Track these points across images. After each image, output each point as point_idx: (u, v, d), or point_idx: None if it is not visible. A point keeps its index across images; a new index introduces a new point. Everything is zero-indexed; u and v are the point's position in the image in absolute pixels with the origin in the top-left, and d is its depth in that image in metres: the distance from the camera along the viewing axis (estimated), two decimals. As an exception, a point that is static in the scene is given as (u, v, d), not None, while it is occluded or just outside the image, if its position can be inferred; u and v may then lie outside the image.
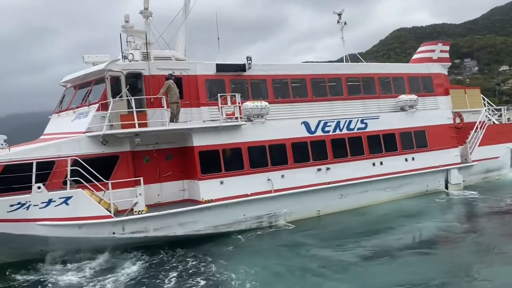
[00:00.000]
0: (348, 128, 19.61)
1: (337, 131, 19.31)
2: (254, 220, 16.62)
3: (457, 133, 23.02)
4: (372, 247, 13.81)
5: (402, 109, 21.32)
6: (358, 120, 19.92)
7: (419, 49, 24.98)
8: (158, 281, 11.93)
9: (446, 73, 24.29)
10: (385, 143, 20.21)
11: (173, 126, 15.37)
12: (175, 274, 12.33)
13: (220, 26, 20.22)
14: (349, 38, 24.48)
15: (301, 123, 18.50)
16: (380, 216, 17.81)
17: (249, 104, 16.95)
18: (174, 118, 15.49)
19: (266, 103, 17.34)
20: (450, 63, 24.86)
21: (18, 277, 12.71)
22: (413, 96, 21.22)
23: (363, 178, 19.24)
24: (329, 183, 18.38)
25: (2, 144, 14.04)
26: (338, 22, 24.43)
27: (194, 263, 13.16)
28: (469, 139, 23.17)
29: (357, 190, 19.10)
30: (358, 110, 20.29)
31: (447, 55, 24.36)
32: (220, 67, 17.47)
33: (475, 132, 23.40)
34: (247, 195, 16.31)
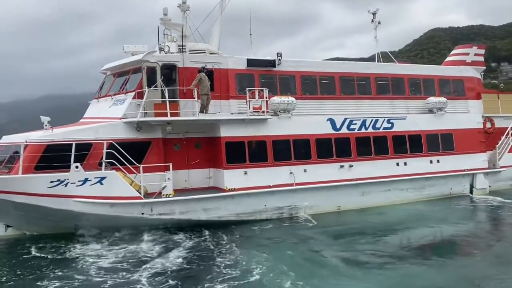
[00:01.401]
0: (374, 127, 19.86)
1: (363, 130, 19.60)
2: (275, 211, 17.24)
3: (487, 138, 22.77)
4: (387, 248, 13.71)
5: (431, 111, 21.34)
6: (384, 119, 20.13)
7: (453, 52, 24.78)
8: (174, 259, 12.61)
9: (480, 77, 24.00)
10: (411, 144, 20.34)
11: (202, 116, 16.21)
12: (191, 254, 13.06)
13: (252, 19, 20.89)
14: (381, 36, 24.49)
15: (327, 120, 18.92)
16: (400, 217, 17.82)
17: (276, 99, 17.53)
18: (204, 109, 16.32)
19: (293, 98, 17.87)
20: (485, 67, 24.51)
21: (51, 248, 13.75)
22: (442, 99, 21.19)
23: (386, 177, 19.48)
24: (351, 180, 18.74)
25: (46, 125, 15.21)
26: (372, 21, 24.63)
27: (209, 245, 13.94)
28: (498, 144, 22.87)
29: (379, 189, 19.36)
30: (386, 110, 20.51)
31: (481, 58, 24.07)
32: (250, 62, 18.13)
33: (506, 137, 23.07)
34: (269, 186, 16.95)
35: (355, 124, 19.48)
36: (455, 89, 22.68)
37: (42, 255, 13.18)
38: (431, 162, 20.70)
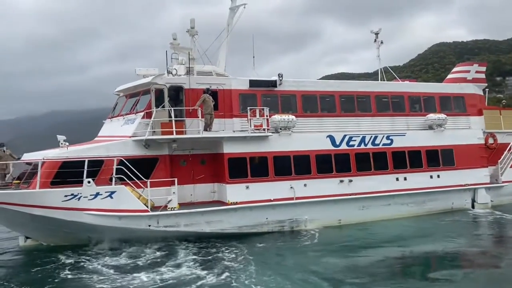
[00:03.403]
0: (373, 143, 20.53)
1: (362, 146, 20.30)
2: (276, 224, 18.00)
3: (489, 153, 23.13)
4: (388, 263, 13.84)
5: (430, 127, 21.91)
6: (384, 136, 20.80)
7: (454, 69, 25.39)
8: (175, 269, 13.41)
9: (482, 93, 24.48)
10: (410, 160, 20.90)
11: (206, 134, 17.26)
12: (191, 264, 13.86)
13: (257, 36, 22.07)
14: (384, 51, 25.55)
15: (326, 136, 19.71)
16: (401, 231, 18.15)
17: (276, 117, 18.49)
18: (207, 127, 17.39)
19: (293, 116, 18.79)
20: (486, 84, 24.96)
21: (67, 258, 14.69)
22: (442, 115, 21.76)
23: (386, 192, 20.06)
24: (350, 194, 19.41)
25: (61, 143, 16.49)
26: (375, 41, 25.61)
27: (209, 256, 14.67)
28: (501, 159, 23.19)
29: (379, 203, 19.93)
30: (385, 127, 21.19)
31: (483, 75, 24.59)
32: (253, 83, 19.20)
33: (508, 153, 23.38)
34: (270, 200, 17.78)
35: (355, 140, 20.21)
36: (456, 105, 23.23)
37: (58, 264, 14.16)
38: (431, 177, 21.18)
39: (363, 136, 20.42)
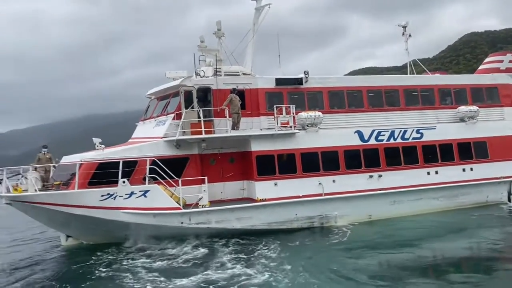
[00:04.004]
0: (402, 138, 20.35)
1: (391, 140, 20.17)
2: (306, 220, 18.18)
3: None
4: (416, 260, 13.62)
5: (462, 120, 21.48)
6: (413, 130, 20.57)
7: (486, 60, 24.71)
8: (213, 264, 13.82)
9: (516, 83, 23.70)
10: (441, 153, 20.58)
11: (234, 133, 17.69)
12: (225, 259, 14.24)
13: (280, 34, 22.32)
14: (413, 44, 25.23)
15: (354, 132, 19.71)
16: (434, 226, 17.93)
17: (303, 114, 18.68)
18: (235, 126, 17.81)
19: (320, 113, 18.92)
20: (521, 73, 24.15)
21: (104, 257, 15.35)
22: (473, 107, 21.30)
23: (417, 186, 19.85)
24: (380, 189, 19.33)
25: (97, 146, 17.34)
26: (403, 34, 25.30)
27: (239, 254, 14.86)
28: (541, 151, 22.35)
29: (410, 198, 19.73)
30: (415, 121, 20.96)
31: (517, 65, 23.79)
32: (279, 81, 19.46)
33: (548, 144, 22.50)
34: (298, 197, 18.00)
35: (384, 135, 20.10)
36: (489, 97, 22.64)
37: (95, 262, 14.80)
38: (463, 170, 20.77)
39: (392, 131, 20.28)
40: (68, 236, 17.86)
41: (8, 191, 15.81)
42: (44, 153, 17.50)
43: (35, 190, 15.68)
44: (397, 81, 21.54)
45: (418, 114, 21.26)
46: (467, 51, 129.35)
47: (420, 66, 25.34)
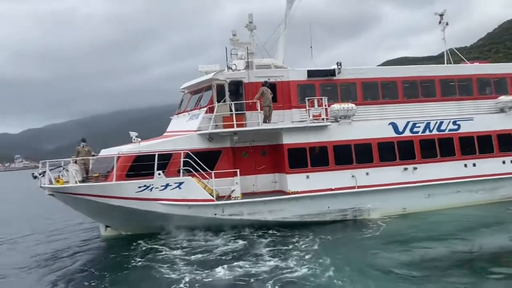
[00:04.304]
0: (438, 129, 19.85)
1: (427, 132, 19.72)
2: (338, 213, 18.10)
3: None
4: (451, 255, 13.22)
5: (502, 110, 20.67)
6: (450, 121, 20.01)
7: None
8: (248, 256, 13.94)
9: None
10: (479, 145, 19.93)
11: (265, 126, 17.79)
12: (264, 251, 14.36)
13: (313, 25, 22.14)
14: (449, 32, 24.27)
15: (388, 124, 19.38)
16: (470, 219, 17.43)
17: (335, 106, 18.53)
18: (266, 119, 17.91)
19: (353, 105, 18.71)
20: None
21: (141, 247, 15.87)
22: (515, 97, 20.43)
23: (454, 179, 19.33)
24: (415, 182, 18.96)
25: (134, 139, 17.91)
26: (439, 22, 24.46)
27: (275, 246, 15.00)
28: None
29: (447, 191, 19.25)
30: (451, 112, 20.38)
31: None
32: (311, 73, 19.36)
33: None
34: (331, 189, 17.94)
35: (419, 126, 19.67)
36: None
37: (132, 252, 15.31)
38: (503, 162, 20.02)
39: (427, 122, 19.81)
40: (107, 226, 18.58)
41: (51, 182, 16.64)
42: (83, 146, 18.19)
43: (76, 182, 16.42)
44: (433, 71, 20.95)
45: (455, 105, 20.65)
46: (508, 39, 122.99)
47: (457, 55, 24.52)
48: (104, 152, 18.69)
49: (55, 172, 17.35)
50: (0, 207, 37.36)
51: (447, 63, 24.02)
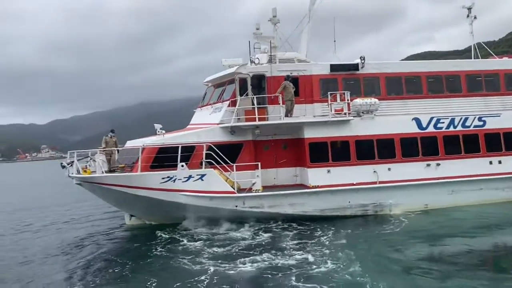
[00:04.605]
0: (463, 126, 19.56)
1: (451, 128, 19.44)
2: (359, 208, 18.10)
3: None
4: (472, 253, 13.03)
5: (531, 106, 20.17)
6: (475, 117, 19.68)
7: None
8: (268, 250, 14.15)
9: None
10: (506, 142, 19.53)
11: (287, 120, 17.90)
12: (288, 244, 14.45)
13: (336, 18, 22.04)
14: (477, 26, 23.73)
15: (412, 119, 19.20)
16: (494, 217, 17.06)
17: (358, 100, 18.45)
18: (288, 113, 18.01)
19: (376, 100, 18.58)
20: None
21: (164, 236, 16.28)
22: (545, 93, 19.89)
23: (478, 176, 19.05)
24: (438, 178, 18.76)
25: (158, 131, 18.32)
26: (467, 16, 23.96)
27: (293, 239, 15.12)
28: None
29: (470, 188, 18.98)
30: (477, 108, 20.00)
31: None
32: (334, 67, 19.30)
33: None
34: (352, 184, 17.94)
35: (443, 122, 19.42)
36: None
37: (155, 241, 15.72)
38: None
39: (452, 118, 19.53)
40: (131, 216, 19.12)
41: (78, 172, 17.22)
42: (111, 137, 18.67)
43: (102, 172, 16.93)
44: (459, 66, 20.57)
45: (481, 101, 20.23)
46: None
47: (485, 49, 23.94)
48: (129, 144, 19.18)
49: (83, 162, 17.92)
50: (29, 195, 38.73)
51: (474, 58, 23.55)
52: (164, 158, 16.92)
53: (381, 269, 11.72)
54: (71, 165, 17.47)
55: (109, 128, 19.63)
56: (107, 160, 18.22)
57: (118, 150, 18.84)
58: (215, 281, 11.27)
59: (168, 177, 16.76)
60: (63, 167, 17.71)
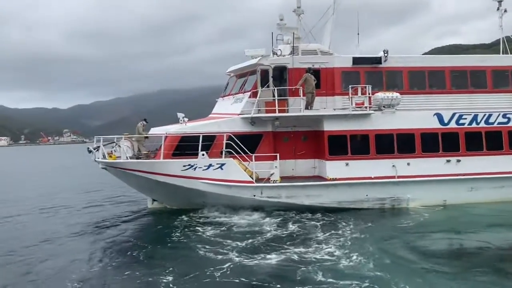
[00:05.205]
0: (486, 122, 19.31)
1: (473, 124, 19.24)
2: (377, 201, 18.19)
3: None
4: (489, 250, 12.96)
5: (559, 104, 19.71)
6: (499, 114, 19.40)
7: None
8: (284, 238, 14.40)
9: None
10: None
11: (307, 112, 18.04)
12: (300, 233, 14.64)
13: (359, 9, 21.90)
14: (506, 19, 23.21)
15: (434, 115, 19.05)
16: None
17: (379, 94, 18.41)
18: (309, 105, 18.14)
19: (397, 94, 18.50)
20: None
21: (184, 222, 16.67)
22: None
23: (500, 173, 18.86)
24: (458, 174, 18.67)
25: (181, 120, 18.70)
26: (498, 9, 23.42)
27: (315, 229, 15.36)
28: None
29: (491, 185, 18.80)
30: (502, 104, 19.70)
31: None
32: (356, 60, 19.27)
33: None
34: (370, 178, 18.02)
35: (465, 118, 19.21)
36: None
37: (175, 226, 16.09)
38: None
39: (475, 114, 19.29)
40: (154, 200, 19.72)
41: (104, 157, 17.80)
42: (143, 125, 19.11)
43: (127, 158, 17.47)
44: (485, 61, 20.24)
45: (507, 97, 19.91)
46: None
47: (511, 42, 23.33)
48: (153, 131, 19.66)
49: (108, 147, 18.51)
50: (56, 178, 40.00)
51: (502, 52, 23.07)
52: (185, 147, 17.34)
53: (403, 265, 11.57)
54: (97, 150, 18.07)
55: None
56: (138, 146, 18.69)
57: (146, 137, 19.27)
58: (233, 272, 11.09)
59: (189, 165, 17.19)
60: (90, 151, 18.34)
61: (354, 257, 12.02)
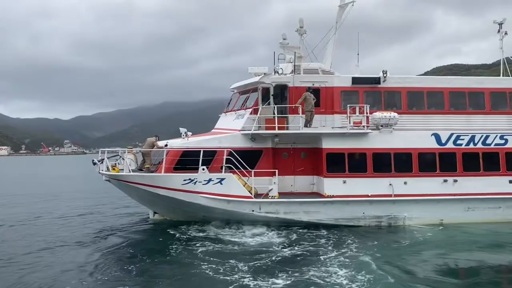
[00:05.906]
0: (483, 143, 19.61)
1: (471, 145, 19.53)
2: (373, 219, 18.40)
3: None
4: (483, 270, 13.20)
5: (556, 127, 20.00)
6: (497, 135, 19.71)
7: None
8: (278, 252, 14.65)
9: None
10: None
11: (306, 130, 18.44)
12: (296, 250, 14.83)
13: (361, 28, 22.25)
14: (506, 40, 23.58)
15: (431, 135, 19.36)
16: (509, 235, 17.29)
17: (377, 114, 18.78)
18: (307, 123, 18.53)
19: (395, 114, 18.86)
20: None
21: (182, 234, 16.96)
22: None
23: (496, 194, 19.07)
24: (454, 194, 18.90)
25: (183, 135, 19.09)
26: (498, 31, 23.82)
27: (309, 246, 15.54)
28: None
29: (488, 205, 19.01)
30: (500, 126, 19.99)
31: None
32: (355, 80, 19.70)
33: None
34: (367, 196, 18.28)
35: (463, 139, 19.50)
36: None
37: (176, 235, 16.70)
38: None
39: (472, 135, 19.60)
40: (155, 212, 20.03)
41: (108, 170, 18.14)
42: (156, 140, 19.31)
43: (129, 171, 17.80)
44: (483, 83, 20.61)
45: (505, 119, 20.20)
46: None
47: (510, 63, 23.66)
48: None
49: (112, 160, 18.86)
50: (60, 186, 40.20)
51: (503, 73, 23.42)
52: (187, 161, 17.67)
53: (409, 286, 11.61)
54: (102, 162, 18.42)
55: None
56: (147, 160, 18.93)
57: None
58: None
59: (189, 179, 17.51)
60: (94, 163, 18.72)
61: (360, 277, 12.01)
